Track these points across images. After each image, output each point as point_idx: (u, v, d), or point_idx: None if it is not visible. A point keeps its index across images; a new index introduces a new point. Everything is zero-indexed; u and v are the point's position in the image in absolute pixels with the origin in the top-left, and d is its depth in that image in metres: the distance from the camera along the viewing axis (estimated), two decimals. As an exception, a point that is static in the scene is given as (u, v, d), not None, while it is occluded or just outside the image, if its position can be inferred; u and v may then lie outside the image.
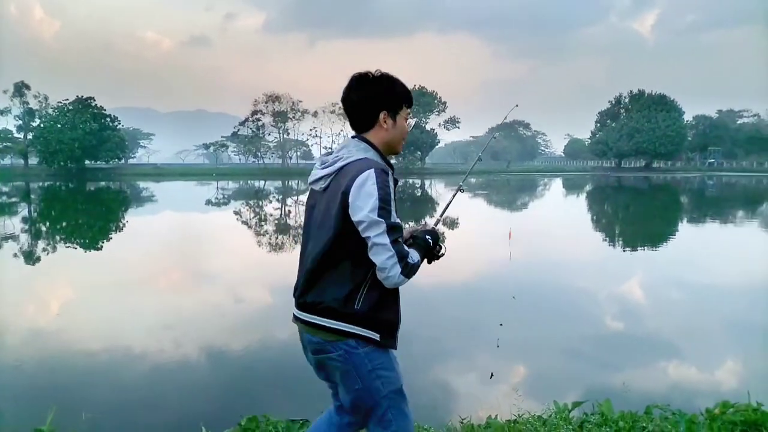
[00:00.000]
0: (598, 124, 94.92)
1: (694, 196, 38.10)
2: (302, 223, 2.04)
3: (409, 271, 1.80)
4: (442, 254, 2.10)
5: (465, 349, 6.53)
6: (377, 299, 1.83)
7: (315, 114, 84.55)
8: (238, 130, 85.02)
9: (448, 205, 2.39)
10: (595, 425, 3.22)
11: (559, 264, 12.12)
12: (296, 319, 1.98)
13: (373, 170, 1.76)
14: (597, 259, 13.03)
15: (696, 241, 16.16)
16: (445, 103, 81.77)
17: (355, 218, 1.74)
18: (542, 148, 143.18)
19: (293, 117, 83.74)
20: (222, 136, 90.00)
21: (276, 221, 20.87)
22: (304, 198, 33.28)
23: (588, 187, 48.16)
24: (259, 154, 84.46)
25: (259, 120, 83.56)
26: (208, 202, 31.76)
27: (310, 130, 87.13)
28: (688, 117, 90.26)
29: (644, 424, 3.17)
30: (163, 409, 4.79)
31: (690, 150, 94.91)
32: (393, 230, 1.76)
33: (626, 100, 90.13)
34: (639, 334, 7.12)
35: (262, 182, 57.52)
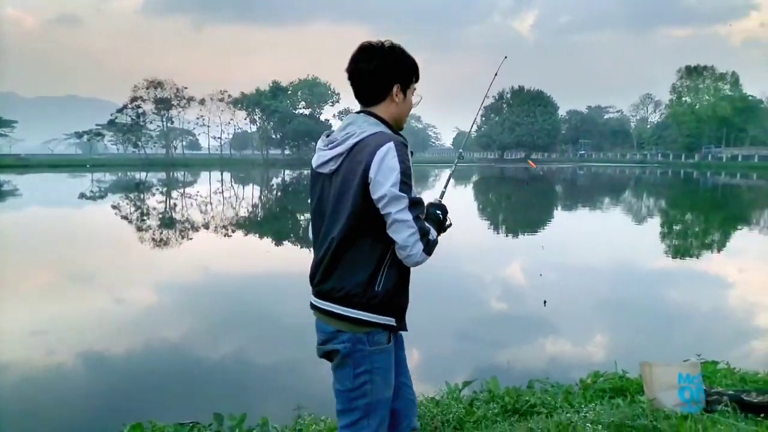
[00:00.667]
0: (484, 118, 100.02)
1: (567, 185, 41.50)
2: (311, 210, 1.90)
3: (430, 248, 1.73)
4: (449, 226, 2.09)
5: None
6: (396, 280, 1.77)
7: (202, 102, 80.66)
8: (116, 117, 78.83)
9: (448, 180, 2.41)
10: (484, 402, 3.40)
11: (448, 251, 12.63)
12: (313, 307, 1.88)
13: (392, 143, 1.65)
14: (483, 245, 13.76)
15: (569, 227, 17.63)
16: (339, 93, 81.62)
17: (375, 194, 1.63)
18: (433, 140, 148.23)
19: (178, 104, 79.23)
20: (97, 124, 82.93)
21: (160, 215, 19.67)
22: (191, 190, 31.75)
23: (474, 178, 50.65)
24: (140, 143, 78.93)
25: (139, 107, 78.11)
26: (82, 196, 29.17)
27: (197, 118, 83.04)
28: (561, 112, 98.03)
29: (527, 398, 3.40)
30: (36, 423, 4.34)
31: (564, 142, 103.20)
32: (415, 206, 1.68)
33: (508, 96, 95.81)
34: (521, 315, 7.64)
35: (143, 174, 53.86)
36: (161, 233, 15.23)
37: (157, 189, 35.58)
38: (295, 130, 75.97)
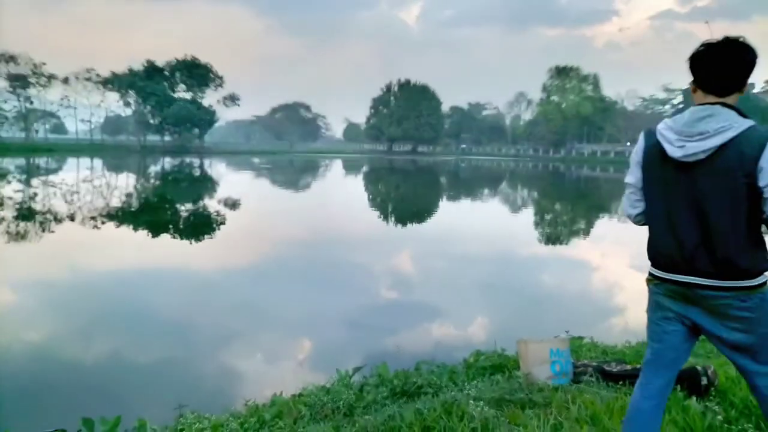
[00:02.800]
0: (372, 110, 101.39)
1: (450, 177, 43.39)
2: (652, 196, 2.01)
3: None
4: None
5: (250, 330, 6.39)
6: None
7: (66, 80, 72.84)
8: (-42, 95, 68.91)
9: None
10: (374, 386, 3.43)
11: (339, 241, 12.66)
12: (691, 284, 1.91)
13: None
14: (373, 234, 13.96)
15: (453, 216, 18.45)
16: (221, 77, 77.93)
17: (762, 182, 1.75)
18: (323, 130, 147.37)
19: (37, 83, 70.96)
20: (-65, 103, 71.92)
21: (17, 206, 17.57)
22: (55, 178, 28.40)
23: (365, 169, 51.20)
24: (-9, 125, 69.82)
25: (-12, 84, 68.85)
26: None
27: (61, 99, 75.06)
28: (444, 107, 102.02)
29: (415, 379, 3.48)
30: None
31: (447, 136, 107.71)
32: None
33: (395, 89, 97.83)
34: (409, 301, 7.84)
35: (-3, 160, 47.83)
36: (17, 226, 13.60)
37: (14, 176, 31.73)
38: (176, 115, 71.35)
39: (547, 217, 19.48)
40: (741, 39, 1.90)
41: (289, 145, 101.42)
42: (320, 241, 12.70)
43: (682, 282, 1.95)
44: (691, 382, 2.87)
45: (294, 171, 44.81)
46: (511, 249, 12.04)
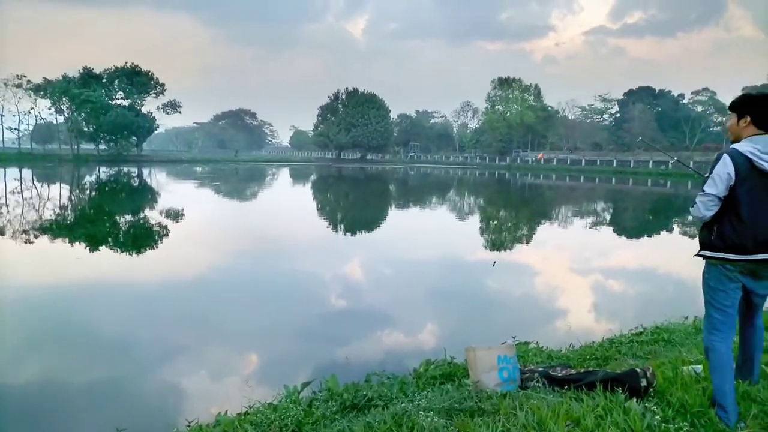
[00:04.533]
0: (320, 118, 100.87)
1: (399, 184, 43.71)
2: (748, 196, 2.81)
3: None
4: None
5: (193, 346, 6.18)
6: None
7: (-7, 87, 68.70)
8: None
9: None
10: (323, 401, 3.39)
11: (287, 251, 12.49)
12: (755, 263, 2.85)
13: None
14: (321, 243, 13.84)
15: (402, 224, 18.58)
16: (163, 85, 75.54)
17: None
18: (269, 138, 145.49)
19: (-40, 89, 66.62)
20: None
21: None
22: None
23: (313, 177, 50.85)
24: None
25: None
26: None
27: (-13, 106, 70.56)
28: (393, 115, 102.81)
29: (365, 392, 3.46)
30: None
31: (396, 144, 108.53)
32: None
33: (343, 97, 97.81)
34: (358, 310, 7.81)
35: None
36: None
37: (-68, 188, 29.58)
38: (112, 123, 68.46)
39: (493, 223, 19.92)
40: None
41: (233, 153, 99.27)
42: (267, 251, 12.49)
43: (756, 260, 2.84)
44: (631, 384, 2.99)
45: (239, 179, 43.94)
46: (458, 255, 12.22)
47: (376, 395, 3.41)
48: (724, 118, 78.99)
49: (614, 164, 66.55)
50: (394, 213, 22.69)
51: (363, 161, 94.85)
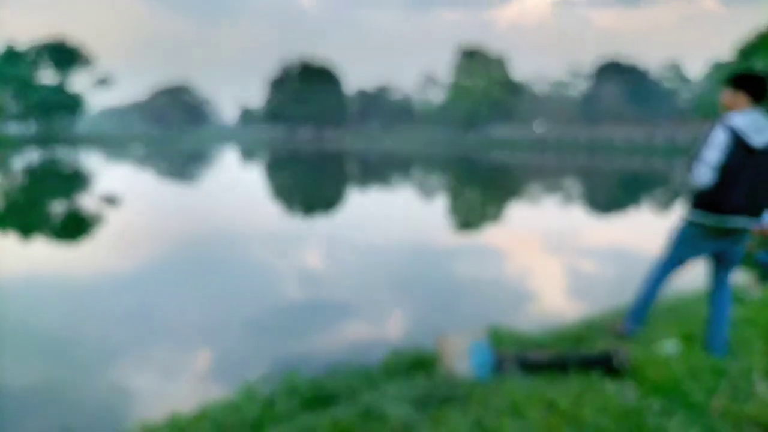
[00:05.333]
0: (269, 93, 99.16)
1: (358, 162, 43.61)
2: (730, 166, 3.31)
3: None
4: None
5: (141, 342, 6.06)
6: None
7: None
8: None
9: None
10: (284, 396, 3.38)
11: (239, 236, 12.32)
12: (739, 228, 3.43)
13: None
14: (278, 228, 13.72)
15: (365, 206, 18.58)
16: (94, 60, 72.66)
17: None
18: (213, 115, 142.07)
19: None
20: None
21: None
22: None
23: (262, 156, 50.15)
24: None
25: None
26: None
27: None
28: (349, 89, 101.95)
29: (329, 385, 3.48)
30: None
31: (354, 120, 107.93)
32: None
33: (293, 71, 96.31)
34: (321, 299, 7.79)
35: None
36: None
37: None
38: (40, 102, 65.65)
39: (460, 202, 20.16)
40: None
41: (175, 131, 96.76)
42: (217, 237, 12.29)
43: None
44: (605, 365, 3.10)
45: (182, 160, 42.93)
46: (426, 238, 12.32)
47: (341, 388, 3.43)
48: (691, 93, 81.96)
49: (584, 139, 68.17)
50: (353, 195, 22.65)
51: (318, 138, 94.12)
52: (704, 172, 3.32)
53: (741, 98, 3.43)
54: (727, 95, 3.53)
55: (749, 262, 6.40)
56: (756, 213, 3.44)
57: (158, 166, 35.92)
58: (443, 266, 9.83)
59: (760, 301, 4.65)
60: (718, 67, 72.37)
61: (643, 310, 3.82)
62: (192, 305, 7.32)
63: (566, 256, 10.75)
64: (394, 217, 15.94)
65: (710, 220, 3.43)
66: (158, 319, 6.84)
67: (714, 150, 3.29)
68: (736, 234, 3.47)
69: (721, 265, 3.64)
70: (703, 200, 3.43)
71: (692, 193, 3.54)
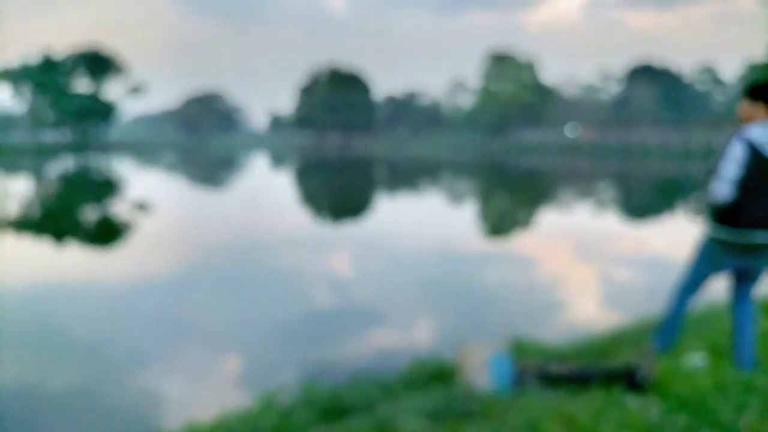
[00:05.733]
0: (301, 99, 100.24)
1: (387, 169, 43.65)
2: (751, 176, 3.25)
3: None
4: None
5: (168, 349, 6.15)
6: None
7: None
8: None
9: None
10: (301, 408, 3.38)
11: (269, 243, 12.45)
12: (762, 243, 3.32)
13: None
14: (304, 235, 13.80)
15: (392, 212, 18.58)
16: (128, 68, 74.52)
17: None
18: (244, 122, 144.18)
19: None
20: None
21: None
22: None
23: (293, 163, 50.64)
24: None
25: None
26: None
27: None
28: (378, 94, 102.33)
29: (347, 396, 3.46)
30: None
31: (383, 125, 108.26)
32: None
33: (323, 77, 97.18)
34: (347, 306, 7.78)
35: None
36: None
37: None
38: (75, 110, 67.60)
39: (488, 208, 20.00)
40: None
41: (206, 138, 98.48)
42: (247, 244, 12.44)
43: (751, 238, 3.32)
44: (629, 378, 3.02)
45: (213, 166, 43.66)
46: (453, 244, 12.23)
47: (359, 399, 3.42)
48: (726, 96, 79.89)
49: (616, 143, 66.97)
50: (382, 201, 22.68)
51: (347, 145, 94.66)
52: (723, 187, 3.28)
53: (759, 110, 3.34)
54: (744, 107, 3.44)
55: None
56: None
57: (189, 173, 36.60)
58: (471, 273, 9.73)
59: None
60: (752, 68, 70.37)
61: (671, 330, 3.73)
62: (220, 311, 7.40)
63: (597, 264, 10.55)
64: (422, 223, 15.89)
65: (730, 235, 3.37)
66: (186, 324, 6.94)
67: (732, 164, 3.25)
68: (758, 249, 3.38)
69: (743, 280, 3.56)
70: (723, 215, 3.38)
71: (711, 209, 3.49)
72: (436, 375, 3.94)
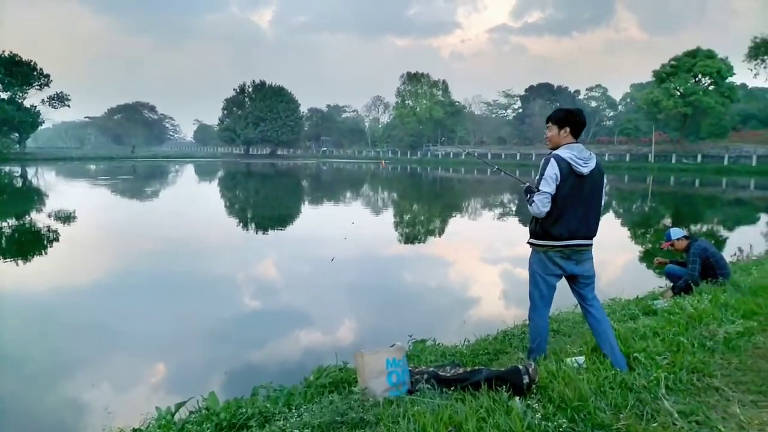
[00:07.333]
0: (225, 111, 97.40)
1: (312, 180, 43.16)
2: (565, 194, 3.43)
3: None
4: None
5: (81, 359, 5.61)
6: None
7: None
8: None
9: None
10: (197, 423, 3.10)
11: (193, 252, 11.82)
12: (580, 245, 3.52)
13: None
14: (232, 243, 13.25)
15: (315, 220, 18.27)
16: (48, 75, 69.34)
17: (606, 187, 3.63)
18: (171, 133, 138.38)
19: None
20: None
21: None
22: None
23: (220, 173, 48.96)
24: None
25: None
26: None
27: None
28: (303, 109, 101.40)
29: (246, 409, 3.22)
30: None
31: (307, 139, 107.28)
32: None
33: (250, 90, 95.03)
34: (249, 316, 7.40)
35: None
36: None
37: None
38: (-7, 117, 61.88)
39: (406, 217, 20.10)
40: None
41: (130, 149, 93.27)
42: (172, 253, 11.76)
43: (570, 245, 3.50)
44: (514, 382, 2.98)
45: (139, 178, 41.34)
46: (360, 252, 12.09)
47: (257, 412, 3.18)
48: (614, 113, 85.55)
49: (517, 157, 69.77)
50: (307, 209, 22.28)
51: (273, 156, 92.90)
52: (543, 202, 3.41)
53: (565, 133, 3.54)
54: (552, 131, 3.61)
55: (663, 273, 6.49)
56: (592, 232, 3.55)
57: (114, 184, 34.41)
58: (377, 278, 9.67)
59: (666, 313, 4.66)
60: (637, 88, 75.72)
61: (539, 344, 3.67)
62: (144, 319, 6.96)
63: (497, 267, 10.77)
64: (343, 230, 15.68)
65: (554, 245, 3.48)
66: (110, 333, 6.46)
67: (549, 181, 3.39)
68: (580, 255, 3.52)
69: (579, 286, 3.62)
70: (545, 228, 3.48)
71: (533, 222, 3.58)
72: (338, 382, 3.76)
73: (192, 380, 5.21)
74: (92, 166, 57.26)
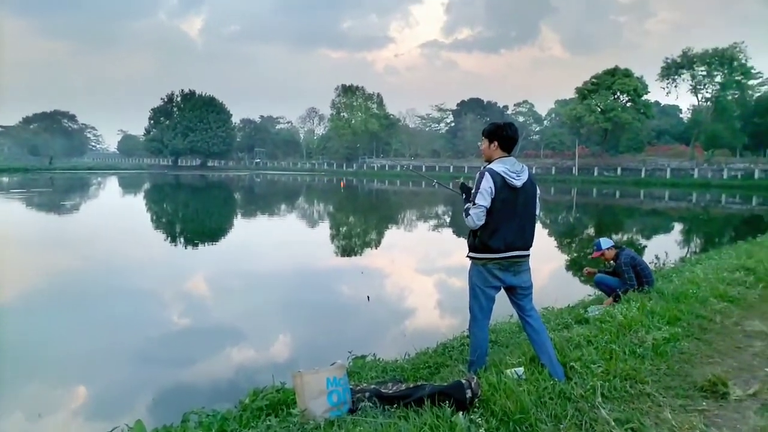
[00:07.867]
0: (152, 121, 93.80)
1: (245, 192, 42.18)
2: (500, 206, 3.50)
3: None
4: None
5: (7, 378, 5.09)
6: None
7: None
8: None
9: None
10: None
11: (119, 268, 11.15)
12: (517, 257, 3.59)
13: None
14: (159, 258, 12.63)
15: (249, 233, 17.79)
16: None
17: (537, 198, 3.69)
18: (93, 143, 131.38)
19: None
20: None
21: None
22: None
23: (146, 186, 46.90)
24: None
25: None
26: None
27: None
28: (235, 120, 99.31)
29: (177, 438, 3.01)
30: None
31: (240, 150, 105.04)
32: None
33: (178, 99, 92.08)
34: (181, 336, 7.06)
35: None
36: None
37: None
38: None
39: (342, 229, 19.98)
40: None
41: (47, 160, 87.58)
42: (92, 270, 11.05)
43: (507, 257, 3.55)
44: (457, 397, 2.95)
45: (57, 190, 38.83)
46: (296, 267, 11.86)
47: (187, 440, 2.98)
48: (542, 127, 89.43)
49: (451, 170, 71.41)
50: (239, 222, 21.67)
51: (203, 168, 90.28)
52: (478, 215, 3.45)
53: (496, 148, 3.61)
54: (485, 146, 3.68)
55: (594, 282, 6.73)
56: (528, 243, 3.61)
57: (28, 197, 32.11)
58: (315, 294, 9.48)
59: (598, 321, 4.82)
60: (561, 104, 79.51)
61: (480, 356, 3.69)
62: (61, 341, 6.45)
63: (433, 278, 10.85)
64: (279, 243, 15.37)
65: (491, 257, 3.52)
66: (23, 357, 5.91)
67: (485, 194, 3.44)
68: (517, 266, 3.58)
69: (517, 297, 3.67)
70: (483, 241, 3.51)
71: (471, 236, 3.62)
72: (275, 404, 3.60)
73: (116, 407, 4.88)
74: (4, 179, 53.33)
